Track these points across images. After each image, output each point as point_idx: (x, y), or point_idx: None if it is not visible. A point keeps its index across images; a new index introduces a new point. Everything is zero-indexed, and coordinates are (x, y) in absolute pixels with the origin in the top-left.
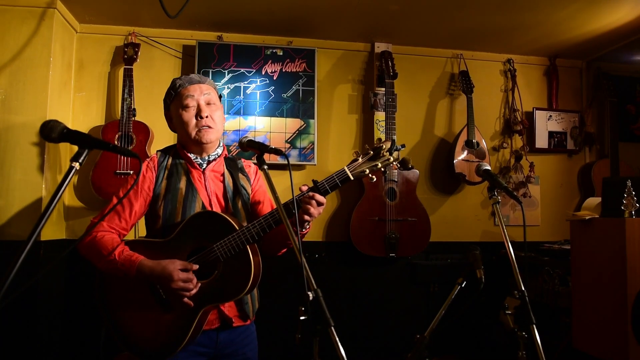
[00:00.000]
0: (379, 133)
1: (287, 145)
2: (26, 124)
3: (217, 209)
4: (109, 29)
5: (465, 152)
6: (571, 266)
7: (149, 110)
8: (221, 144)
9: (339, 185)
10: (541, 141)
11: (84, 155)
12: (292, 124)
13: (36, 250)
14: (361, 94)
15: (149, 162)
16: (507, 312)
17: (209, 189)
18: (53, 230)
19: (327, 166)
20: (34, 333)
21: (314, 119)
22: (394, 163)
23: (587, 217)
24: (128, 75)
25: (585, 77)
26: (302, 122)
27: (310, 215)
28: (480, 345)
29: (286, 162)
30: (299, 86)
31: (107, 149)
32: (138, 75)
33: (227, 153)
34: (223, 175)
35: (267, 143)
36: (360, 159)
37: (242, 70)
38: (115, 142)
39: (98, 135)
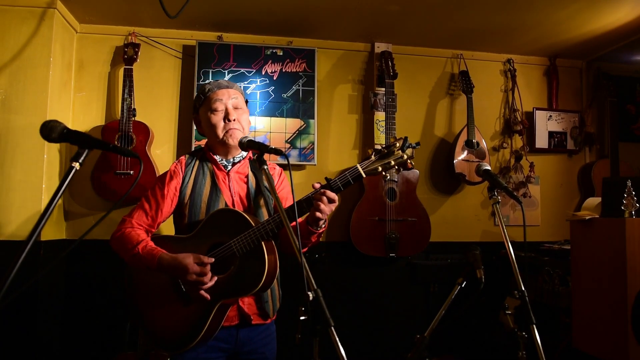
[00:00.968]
0: (379, 133)
1: (287, 146)
2: (26, 124)
3: (239, 209)
4: (109, 29)
5: (465, 152)
6: (571, 266)
7: (149, 110)
8: None
9: (352, 182)
10: (541, 141)
11: (84, 155)
12: (292, 124)
13: (36, 250)
14: (361, 94)
15: (177, 164)
16: (507, 312)
17: (233, 189)
18: (53, 230)
19: (327, 166)
20: (34, 333)
21: (314, 119)
22: (408, 161)
23: (587, 217)
24: (128, 75)
25: (585, 77)
26: (302, 122)
27: (321, 211)
28: (480, 345)
29: (286, 162)
30: (299, 86)
31: (107, 149)
32: (138, 75)
33: (252, 155)
34: (247, 176)
35: (267, 143)
36: (373, 157)
37: (242, 70)
38: (115, 142)
39: (98, 135)
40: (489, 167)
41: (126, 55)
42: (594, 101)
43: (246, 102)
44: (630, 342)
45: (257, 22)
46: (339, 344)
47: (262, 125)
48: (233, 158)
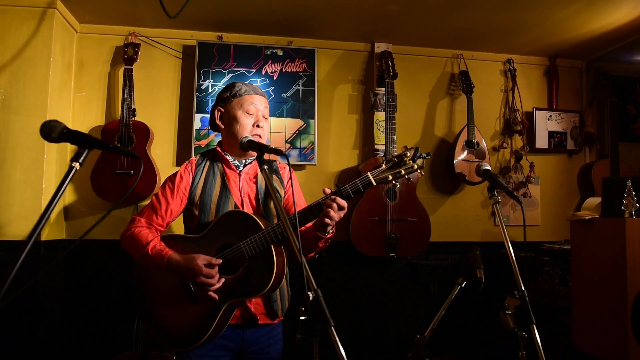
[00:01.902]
0: (379, 133)
1: (287, 146)
2: (26, 124)
3: (248, 209)
4: (109, 29)
5: (465, 152)
6: (571, 266)
7: (149, 110)
8: None
9: (362, 190)
10: (541, 141)
11: (84, 155)
12: (292, 124)
13: (36, 250)
14: (361, 94)
15: (187, 164)
16: (507, 312)
17: (242, 190)
18: (53, 230)
19: (327, 166)
20: (34, 333)
21: (314, 119)
22: (418, 171)
23: (587, 217)
24: (128, 75)
25: (585, 77)
26: (302, 122)
27: (330, 218)
28: (481, 345)
29: (286, 162)
30: (299, 86)
31: (107, 149)
32: (138, 75)
33: None
34: (256, 177)
35: (267, 143)
36: (384, 165)
37: (242, 70)
38: (115, 142)
39: (98, 135)
40: (489, 167)
41: (126, 55)
42: (594, 101)
43: None
44: (630, 342)
45: (257, 22)
46: (339, 344)
47: None
48: (245, 160)
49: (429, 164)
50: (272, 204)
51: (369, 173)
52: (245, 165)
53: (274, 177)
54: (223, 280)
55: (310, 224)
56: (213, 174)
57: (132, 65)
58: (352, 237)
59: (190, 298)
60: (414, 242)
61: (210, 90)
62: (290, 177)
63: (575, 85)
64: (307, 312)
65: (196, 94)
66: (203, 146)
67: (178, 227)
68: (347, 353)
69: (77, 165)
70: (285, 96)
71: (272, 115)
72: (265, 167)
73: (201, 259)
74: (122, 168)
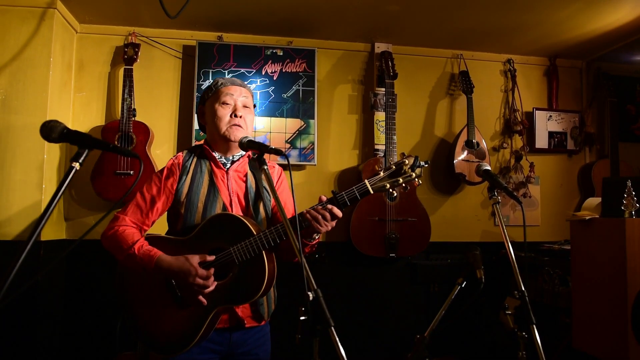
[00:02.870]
0: (379, 133)
1: (287, 146)
2: (26, 124)
3: (237, 209)
4: (109, 29)
5: (465, 152)
6: (571, 266)
7: (149, 111)
8: None
9: (359, 198)
10: (541, 141)
11: (84, 155)
12: (292, 124)
13: (36, 250)
14: (361, 94)
15: (174, 161)
16: (507, 312)
17: (231, 189)
18: (53, 230)
19: (327, 166)
20: (34, 333)
21: (314, 119)
22: (416, 179)
23: (587, 217)
24: (128, 76)
25: (585, 77)
26: (302, 122)
27: (321, 226)
28: (481, 345)
29: (286, 162)
30: (299, 86)
31: (107, 149)
32: (138, 76)
33: (251, 154)
34: (246, 175)
35: (267, 143)
36: (382, 173)
37: (242, 70)
38: (115, 142)
39: (98, 135)
40: (489, 167)
41: (126, 55)
42: (594, 101)
43: (254, 106)
44: (630, 342)
45: (257, 22)
46: (339, 344)
47: (262, 126)
48: (232, 156)
49: (429, 165)
50: (261, 205)
51: (366, 181)
52: (233, 162)
53: (263, 176)
54: (215, 284)
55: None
56: (200, 171)
57: (132, 66)
58: (352, 237)
59: (177, 303)
60: (414, 242)
61: None
62: (294, 176)
63: (575, 85)
64: (307, 312)
65: (196, 94)
66: (202, 143)
67: (160, 227)
68: (347, 353)
69: (77, 165)
70: (285, 96)
71: (272, 115)
72: (265, 167)
73: (196, 259)
74: (122, 168)
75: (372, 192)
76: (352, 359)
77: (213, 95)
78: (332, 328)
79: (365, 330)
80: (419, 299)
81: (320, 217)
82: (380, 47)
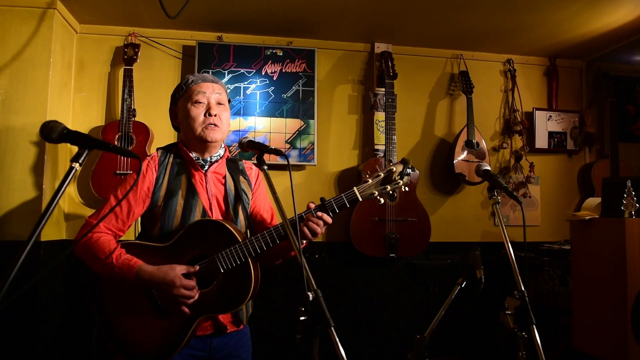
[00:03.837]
0: (379, 133)
1: (287, 146)
2: (26, 124)
3: (217, 213)
4: (109, 29)
5: (465, 153)
6: (571, 266)
7: (149, 111)
8: (223, 146)
9: (347, 205)
10: (541, 141)
11: (84, 155)
12: (292, 124)
13: (36, 250)
14: (361, 94)
15: (149, 162)
16: (507, 312)
17: (210, 192)
18: (53, 230)
19: (327, 166)
20: (33, 333)
21: (313, 119)
22: (404, 188)
23: (587, 218)
24: (128, 76)
25: (585, 77)
26: (302, 123)
27: (315, 234)
28: (480, 345)
29: (286, 162)
30: (299, 86)
31: (107, 150)
32: (138, 76)
33: (229, 155)
34: (225, 177)
35: (267, 143)
36: (370, 180)
37: (242, 70)
38: (115, 143)
39: (98, 135)
40: (488, 167)
41: (126, 55)
42: (594, 101)
43: (229, 101)
44: (630, 342)
45: (257, 22)
46: (339, 344)
47: (262, 126)
48: (210, 157)
49: (429, 165)
50: (240, 208)
51: (355, 188)
52: (211, 164)
53: (241, 178)
54: (198, 293)
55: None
56: (178, 172)
57: (132, 66)
58: (352, 238)
59: (157, 312)
60: (414, 243)
61: None
62: (293, 176)
63: (575, 85)
64: (307, 312)
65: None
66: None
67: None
68: (347, 353)
69: (77, 165)
70: (285, 96)
71: (272, 115)
72: (265, 167)
73: (178, 270)
74: (122, 168)
75: (360, 199)
76: (352, 359)
77: (184, 95)
78: (332, 328)
79: (365, 330)
80: (419, 299)
81: (314, 225)
82: (380, 47)
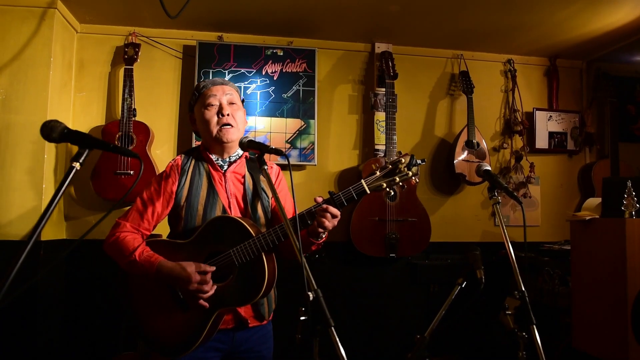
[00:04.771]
0: (379, 133)
1: (288, 146)
2: (26, 124)
3: (236, 211)
4: (109, 29)
5: (466, 153)
6: (571, 266)
7: (149, 111)
8: None
9: (355, 198)
10: (541, 141)
11: (84, 155)
12: (293, 124)
13: (36, 250)
14: (361, 94)
15: (172, 164)
16: (507, 312)
17: (229, 191)
18: (53, 230)
19: (328, 166)
20: (34, 333)
21: (314, 119)
22: (413, 178)
23: (587, 218)
24: (128, 76)
25: (586, 78)
26: (303, 123)
27: (324, 228)
28: (480, 345)
29: (286, 162)
30: (299, 86)
31: (108, 149)
32: (138, 76)
33: (248, 154)
34: (244, 177)
35: (267, 143)
36: (378, 173)
37: (243, 70)
38: (116, 142)
39: (98, 135)
40: (489, 168)
41: (126, 55)
42: (594, 101)
43: (242, 101)
44: (630, 342)
45: (257, 22)
46: (339, 344)
47: (262, 126)
48: (229, 157)
49: (429, 165)
50: (259, 206)
51: (362, 181)
52: (230, 164)
53: (261, 177)
54: (215, 287)
55: (303, 231)
56: (199, 174)
57: (132, 66)
58: (352, 237)
59: (179, 306)
60: (414, 243)
61: None
62: (294, 176)
63: (576, 85)
64: (307, 312)
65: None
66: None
67: (162, 228)
68: (347, 353)
69: (77, 165)
70: (285, 96)
71: (272, 115)
72: (265, 167)
73: (194, 267)
74: (122, 168)
75: (368, 192)
76: (352, 359)
77: (198, 101)
78: (332, 328)
79: (365, 330)
80: (419, 299)
81: (322, 217)
82: (380, 47)
